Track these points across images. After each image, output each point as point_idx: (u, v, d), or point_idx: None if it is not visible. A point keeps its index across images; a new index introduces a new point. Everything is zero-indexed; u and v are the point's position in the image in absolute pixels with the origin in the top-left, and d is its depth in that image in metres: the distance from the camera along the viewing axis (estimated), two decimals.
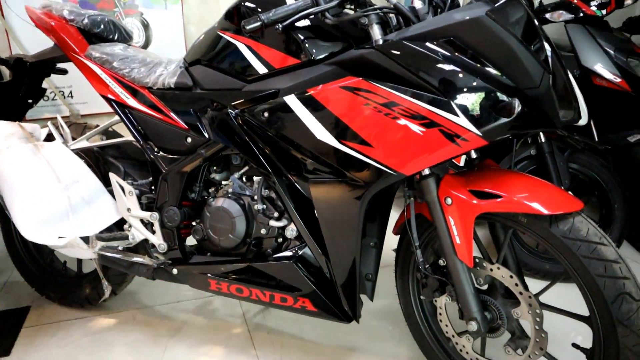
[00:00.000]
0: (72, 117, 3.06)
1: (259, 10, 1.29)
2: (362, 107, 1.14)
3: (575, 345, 1.20)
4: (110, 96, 1.58)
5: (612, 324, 1.02)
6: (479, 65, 1.04)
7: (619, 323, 1.01)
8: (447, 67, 1.05)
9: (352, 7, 1.19)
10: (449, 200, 1.19)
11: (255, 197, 1.43)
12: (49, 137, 1.76)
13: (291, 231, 1.39)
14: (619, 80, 2.16)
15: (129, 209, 1.54)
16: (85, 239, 1.55)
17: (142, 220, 1.55)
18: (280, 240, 1.44)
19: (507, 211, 1.12)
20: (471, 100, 1.05)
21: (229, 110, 1.34)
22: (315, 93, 1.19)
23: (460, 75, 1.04)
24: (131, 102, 1.54)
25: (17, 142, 1.63)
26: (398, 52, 1.08)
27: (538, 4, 2.66)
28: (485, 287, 1.28)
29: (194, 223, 1.57)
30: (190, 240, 1.58)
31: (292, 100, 1.22)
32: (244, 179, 1.49)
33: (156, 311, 1.88)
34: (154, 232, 1.54)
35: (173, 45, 3.41)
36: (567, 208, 1.07)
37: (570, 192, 1.13)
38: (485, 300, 1.26)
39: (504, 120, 1.03)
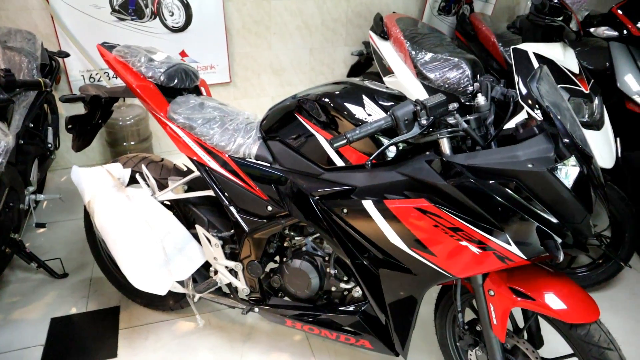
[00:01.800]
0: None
1: (333, 108, 1.47)
2: (431, 227, 1.38)
3: None
4: (194, 158, 1.77)
5: None
6: (533, 206, 1.27)
7: None
8: (507, 205, 1.27)
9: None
10: (491, 292, 1.49)
11: (327, 259, 1.72)
12: (132, 179, 1.98)
13: (357, 292, 1.70)
14: None
15: (215, 258, 1.83)
16: (180, 282, 1.85)
17: (226, 267, 1.84)
18: (345, 293, 1.76)
19: (537, 312, 1.43)
20: (522, 234, 1.29)
21: (310, 195, 1.57)
22: (391, 207, 1.42)
23: (517, 213, 1.27)
24: (213, 165, 1.75)
25: (110, 189, 1.86)
26: (469, 189, 1.30)
27: (584, 17, 2.70)
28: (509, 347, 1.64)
29: (271, 264, 1.87)
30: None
31: (369, 206, 1.46)
32: (316, 240, 1.76)
33: (226, 315, 2.25)
34: (237, 277, 1.84)
35: (213, 24, 3.41)
36: (587, 319, 1.37)
37: (594, 302, 1.42)
38: (509, 358, 1.62)
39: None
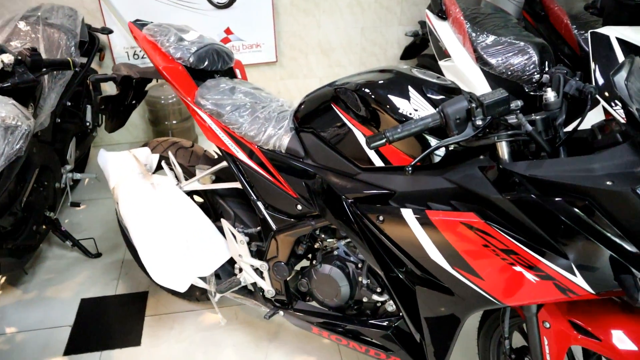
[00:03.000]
0: None
1: (374, 100, 1.28)
2: (480, 247, 1.18)
3: None
4: (221, 147, 1.64)
5: None
6: (607, 231, 1.04)
7: None
8: (576, 228, 1.05)
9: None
10: (547, 324, 1.27)
11: (360, 266, 1.55)
12: (159, 166, 1.89)
13: (391, 306, 1.52)
14: None
15: (240, 255, 1.71)
16: (203, 278, 1.76)
17: (251, 265, 1.72)
18: (377, 305, 1.59)
19: (602, 354, 1.20)
20: (591, 264, 1.06)
21: (344, 197, 1.40)
22: (434, 219, 1.23)
23: (587, 239, 1.05)
24: (242, 156, 1.61)
25: (135, 175, 1.77)
26: (529, 205, 1.08)
27: None
28: None
29: (298, 267, 1.73)
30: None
31: (409, 217, 1.27)
32: (350, 244, 1.59)
33: (254, 310, 2.15)
34: (262, 277, 1.72)
35: (259, 0, 3.26)
36: None
37: None
38: None
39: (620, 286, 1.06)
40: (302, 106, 1.52)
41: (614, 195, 0.99)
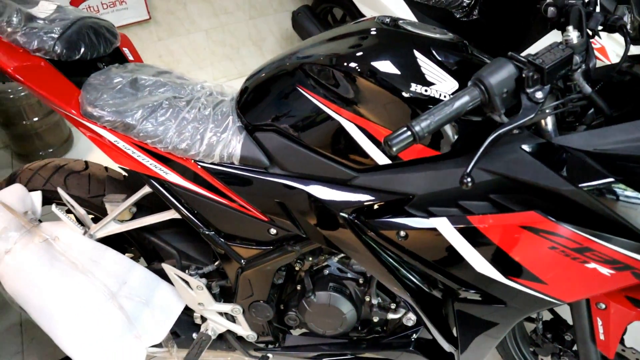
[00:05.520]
0: None
1: (368, 77, 0.90)
2: (545, 250, 0.91)
3: None
4: (141, 172, 1.15)
5: None
6: None
7: None
8: None
9: None
10: (601, 305, 1.09)
11: (362, 282, 1.23)
12: (45, 199, 1.32)
13: (410, 321, 1.24)
14: None
15: (200, 304, 1.28)
16: (158, 345, 1.30)
17: (218, 312, 1.31)
18: (389, 320, 1.30)
19: None
20: None
21: (339, 212, 1.03)
22: (482, 227, 0.93)
23: None
24: (174, 178, 1.14)
25: (13, 235, 1.21)
26: (607, 194, 0.82)
27: None
28: None
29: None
30: None
31: (445, 227, 0.95)
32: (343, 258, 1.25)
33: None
34: (235, 321, 1.32)
35: None
36: None
37: None
38: None
39: None
40: (248, 94, 1.08)
41: None
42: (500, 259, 0.95)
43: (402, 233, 0.98)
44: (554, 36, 1.73)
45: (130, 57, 1.37)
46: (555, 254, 0.91)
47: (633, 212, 0.82)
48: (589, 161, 0.82)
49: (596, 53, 0.94)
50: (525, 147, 0.86)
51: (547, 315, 1.37)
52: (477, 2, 2.17)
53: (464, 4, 2.17)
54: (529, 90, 0.77)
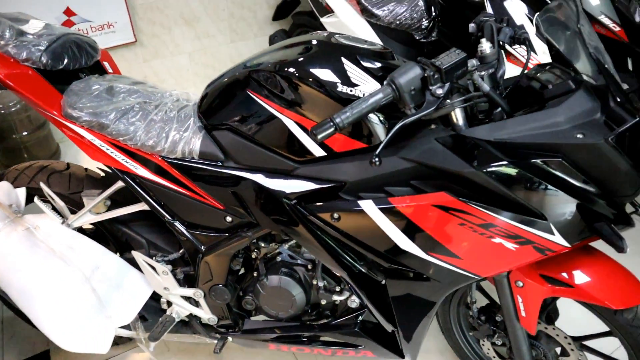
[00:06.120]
0: None
1: (301, 79, 1.07)
2: (456, 226, 1.08)
3: None
4: (113, 166, 1.30)
5: None
6: (581, 184, 1.00)
7: None
8: (551, 188, 0.99)
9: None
10: (519, 284, 1.24)
11: (310, 267, 1.38)
12: (29, 197, 1.47)
13: (354, 303, 1.38)
14: (617, 29, 2.14)
15: (166, 288, 1.42)
16: (127, 326, 1.43)
17: (182, 296, 1.44)
18: (337, 304, 1.44)
19: (577, 299, 1.20)
20: (568, 219, 1.03)
21: (284, 199, 1.19)
22: (401, 207, 1.09)
23: (562, 195, 1.00)
24: (143, 172, 1.30)
25: (1, 227, 1.35)
26: (504, 176, 0.99)
27: None
28: None
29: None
30: None
31: (371, 209, 1.11)
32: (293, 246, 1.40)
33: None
34: (198, 305, 1.46)
35: None
36: (634, 302, 1.16)
37: (638, 280, 1.21)
38: (533, 344, 1.41)
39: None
40: (207, 98, 1.25)
41: (587, 148, 0.94)
42: (419, 236, 1.11)
43: (336, 215, 1.14)
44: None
45: (110, 70, 1.54)
46: (464, 230, 1.06)
47: (528, 192, 0.98)
48: (489, 148, 0.98)
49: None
50: (439, 139, 1.03)
51: (484, 301, 1.51)
52: (434, 24, 2.38)
53: (423, 27, 2.37)
54: (431, 88, 0.94)
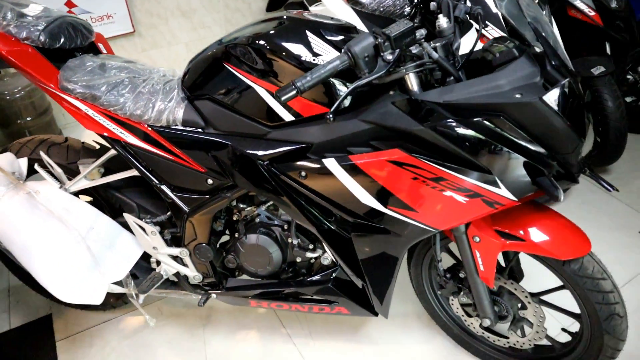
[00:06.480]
0: None
1: (271, 50, 1.19)
2: (409, 180, 1.19)
3: (564, 330, 1.54)
4: (105, 134, 1.43)
5: (601, 332, 1.34)
6: (522, 141, 1.10)
7: (606, 332, 1.34)
8: (495, 145, 1.09)
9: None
10: (476, 239, 1.35)
11: (286, 228, 1.50)
12: (31, 170, 1.61)
13: (326, 260, 1.51)
14: (593, 14, 2.22)
15: (154, 247, 1.55)
16: (119, 282, 1.57)
17: (169, 255, 1.58)
18: (312, 261, 1.57)
19: (528, 252, 1.31)
20: (512, 174, 1.13)
21: (258, 161, 1.32)
22: (359, 163, 1.21)
23: (505, 151, 1.09)
24: (132, 140, 1.43)
25: (5, 191, 1.49)
26: (450, 131, 1.10)
27: None
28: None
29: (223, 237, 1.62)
30: None
31: (333, 166, 1.23)
32: (271, 208, 1.52)
33: (178, 301, 2.01)
34: (185, 264, 1.59)
35: None
36: (579, 253, 1.27)
37: (584, 233, 1.31)
38: (495, 299, 1.53)
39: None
40: (190, 72, 1.37)
41: (524, 106, 1.04)
42: (378, 191, 1.22)
43: (303, 173, 1.27)
44: (473, 34, 2.04)
45: (104, 51, 1.67)
46: (417, 184, 1.18)
47: (474, 148, 1.09)
48: (439, 110, 1.10)
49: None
50: (395, 102, 1.15)
51: (451, 262, 1.63)
52: (417, 11, 2.48)
53: (405, 13, 2.48)
54: (382, 54, 1.06)
